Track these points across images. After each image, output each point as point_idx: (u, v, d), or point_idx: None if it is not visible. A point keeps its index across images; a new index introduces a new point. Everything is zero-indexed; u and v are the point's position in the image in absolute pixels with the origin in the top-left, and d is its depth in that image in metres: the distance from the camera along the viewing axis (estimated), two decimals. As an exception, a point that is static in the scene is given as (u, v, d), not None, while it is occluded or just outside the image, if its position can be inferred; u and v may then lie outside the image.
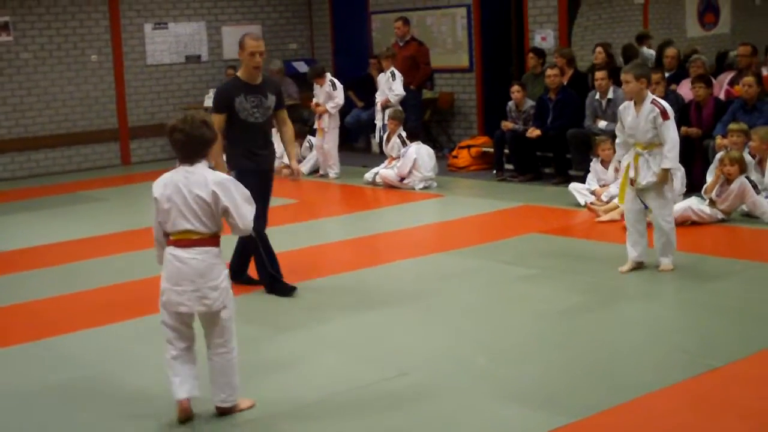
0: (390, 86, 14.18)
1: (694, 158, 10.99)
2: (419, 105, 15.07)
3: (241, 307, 7.64)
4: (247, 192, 5.36)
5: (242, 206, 5.28)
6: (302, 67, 17.79)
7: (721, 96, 12.14)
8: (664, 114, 7.88)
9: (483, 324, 7.06)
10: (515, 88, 13.22)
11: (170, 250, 5.30)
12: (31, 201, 13.27)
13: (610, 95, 12.08)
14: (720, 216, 9.82)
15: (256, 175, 7.83)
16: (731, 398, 5.46)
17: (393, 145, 13.11)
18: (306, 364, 6.34)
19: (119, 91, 16.23)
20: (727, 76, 12.87)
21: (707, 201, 9.94)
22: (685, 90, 12.21)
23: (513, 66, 15.62)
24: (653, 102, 7.95)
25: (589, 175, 11.21)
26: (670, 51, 13.29)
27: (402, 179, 12.69)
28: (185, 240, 5.25)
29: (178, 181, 5.26)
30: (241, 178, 7.45)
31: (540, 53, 13.91)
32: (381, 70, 14.69)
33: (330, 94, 14.03)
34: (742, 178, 9.82)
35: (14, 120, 15.37)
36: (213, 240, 5.30)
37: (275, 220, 10.95)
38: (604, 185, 10.88)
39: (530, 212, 10.95)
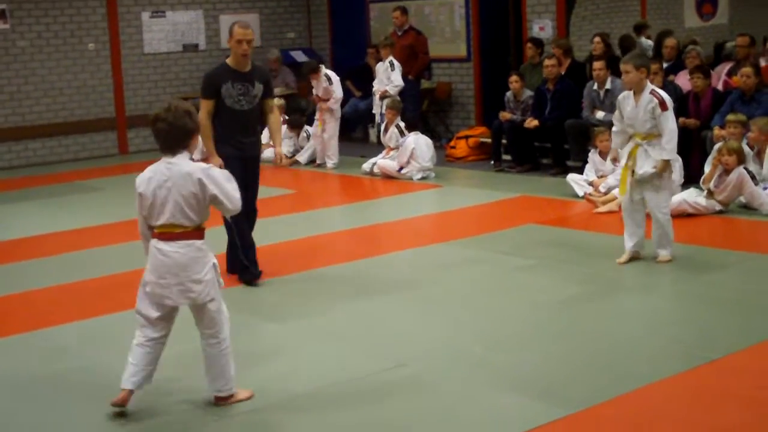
0: (388, 76, 14.15)
1: (692, 149, 10.98)
2: (417, 95, 15.06)
3: (237, 297, 7.71)
4: (227, 172, 5.38)
5: (227, 188, 5.27)
6: (300, 56, 17.76)
7: (719, 87, 12.13)
8: (662, 105, 7.88)
9: (481, 314, 7.07)
10: (513, 78, 13.21)
11: (154, 243, 5.30)
12: (28, 190, 13.25)
13: (608, 86, 12.07)
14: (717, 207, 9.82)
15: (240, 162, 7.94)
16: (730, 389, 5.46)
17: (391, 135, 13.10)
18: (303, 355, 6.34)
19: (116, 80, 16.20)
20: (724, 67, 12.86)
21: (705, 192, 9.94)
22: (683, 80, 12.20)
23: (511, 56, 15.60)
24: (652, 92, 7.94)
25: (587, 166, 11.21)
26: (669, 41, 13.27)
27: (400, 169, 12.68)
28: (169, 233, 5.25)
29: (161, 174, 5.25)
30: (225, 164, 7.64)
31: (538, 43, 13.89)
32: (379, 60, 14.66)
33: (327, 89, 13.99)
34: (740, 169, 9.82)
35: (11, 109, 15.34)
36: (196, 233, 5.28)
37: (273, 210, 11.00)
38: (602, 176, 10.87)
39: (528, 203, 10.95)
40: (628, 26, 15.62)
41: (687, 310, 7.10)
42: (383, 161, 12.96)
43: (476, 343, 6.40)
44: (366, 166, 13.18)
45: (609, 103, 11.93)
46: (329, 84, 13.99)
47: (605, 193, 10.47)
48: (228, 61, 8.05)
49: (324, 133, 14.04)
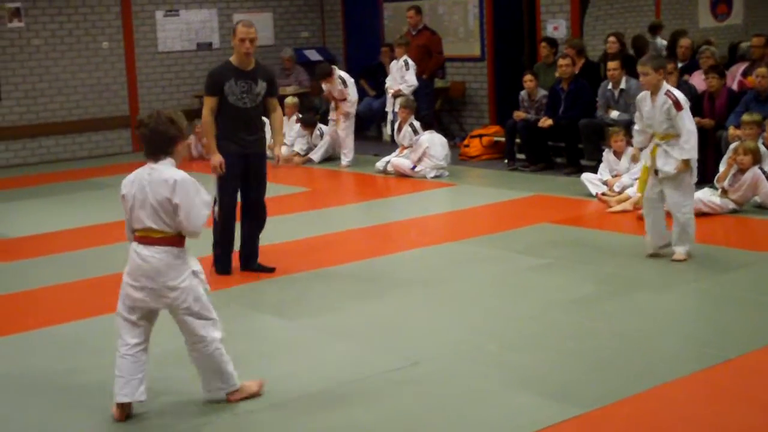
0: (402, 75, 14.13)
1: (707, 149, 10.94)
2: (431, 94, 15.04)
3: (251, 295, 7.73)
4: (207, 198, 5.29)
5: (195, 208, 5.18)
6: (313, 55, 17.77)
7: (734, 87, 12.09)
8: (677, 105, 7.88)
9: (495, 313, 7.05)
10: (528, 77, 13.19)
11: (134, 246, 5.30)
12: (41, 187, 13.28)
13: (622, 85, 12.04)
14: (731, 206, 9.78)
15: (242, 160, 8.07)
16: (747, 389, 5.44)
17: (404, 134, 13.08)
18: (316, 353, 6.33)
19: (130, 78, 16.22)
20: (739, 67, 12.81)
21: (719, 191, 9.91)
22: (698, 80, 12.17)
23: (524, 55, 15.57)
24: (667, 93, 7.95)
25: (602, 165, 11.18)
26: (684, 41, 13.23)
27: (413, 167, 12.67)
28: (147, 238, 5.24)
29: (142, 179, 5.26)
30: (226, 162, 7.89)
31: (552, 43, 13.87)
32: (393, 58, 14.65)
33: (342, 92, 14.00)
34: (756, 169, 9.78)
35: (25, 106, 15.37)
36: (175, 239, 5.25)
37: (287, 207, 11.02)
38: (616, 175, 10.84)
39: (542, 202, 10.93)
40: (642, 26, 15.57)
41: (702, 310, 7.08)
42: (397, 159, 12.95)
43: (490, 341, 6.38)
44: (380, 164, 13.17)
45: (623, 102, 11.91)
46: (344, 86, 14.00)
47: (619, 193, 10.45)
48: (231, 59, 8.13)
49: (340, 131, 14.02)
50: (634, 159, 9.39)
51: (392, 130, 14.00)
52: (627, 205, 10.03)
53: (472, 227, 9.84)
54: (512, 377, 5.75)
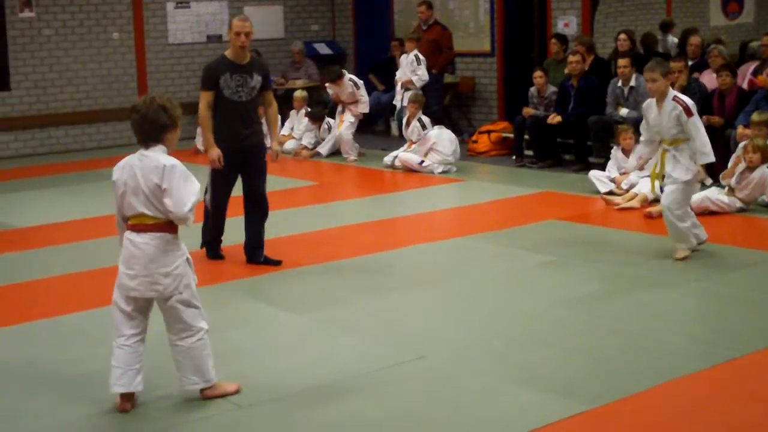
0: (414, 69, 14.13)
1: (716, 147, 10.88)
2: (440, 89, 15.03)
3: (257, 287, 7.74)
4: (195, 186, 5.25)
5: (182, 191, 5.16)
6: (323, 48, 17.77)
7: (744, 86, 12.06)
8: (687, 111, 7.85)
9: (501, 309, 7.06)
10: (538, 73, 13.17)
11: (127, 234, 5.31)
12: (50, 178, 13.31)
13: (632, 83, 12.03)
14: (738, 204, 9.76)
15: (239, 153, 8.15)
16: (752, 389, 5.44)
17: (413, 129, 13.08)
18: (322, 346, 6.34)
19: (140, 70, 16.24)
20: (750, 66, 12.78)
21: (726, 188, 9.90)
22: (708, 79, 12.14)
23: (534, 52, 15.56)
24: (675, 99, 7.91)
25: (610, 163, 11.17)
26: (694, 39, 13.20)
27: (421, 162, 12.67)
28: (141, 225, 5.25)
29: (133, 165, 5.25)
30: (223, 155, 7.99)
31: (562, 39, 13.86)
32: (403, 52, 14.65)
33: (354, 94, 14.01)
34: (764, 168, 9.76)
35: (35, 96, 15.40)
36: (168, 226, 5.25)
37: (295, 201, 11.04)
38: (624, 173, 10.83)
39: (550, 199, 10.92)
40: (653, 24, 15.53)
41: (707, 309, 7.07)
42: (405, 154, 12.95)
43: (495, 337, 6.39)
44: (387, 159, 13.17)
45: (633, 100, 11.89)
46: (356, 89, 14.01)
47: (627, 190, 10.43)
48: (227, 53, 8.22)
49: (343, 130, 14.01)
50: (640, 168, 9.23)
51: (400, 123, 14.00)
52: (635, 203, 10.02)
53: (479, 223, 9.83)
54: (517, 373, 5.75)
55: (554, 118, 12.62)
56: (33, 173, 13.73)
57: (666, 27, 15.08)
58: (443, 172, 12.58)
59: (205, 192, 8.10)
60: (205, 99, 8.11)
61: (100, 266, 8.42)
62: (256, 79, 8.14)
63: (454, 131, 13.55)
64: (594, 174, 11.07)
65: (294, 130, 15.01)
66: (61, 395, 5.64)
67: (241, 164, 8.20)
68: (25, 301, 7.62)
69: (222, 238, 8.56)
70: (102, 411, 5.37)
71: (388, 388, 5.60)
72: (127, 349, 5.31)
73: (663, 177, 8.05)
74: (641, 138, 8.39)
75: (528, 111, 13.11)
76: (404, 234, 9.71)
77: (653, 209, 9.51)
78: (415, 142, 13.01)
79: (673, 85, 11.50)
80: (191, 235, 6.53)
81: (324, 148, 14.39)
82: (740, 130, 10.55)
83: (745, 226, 9.48)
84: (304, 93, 15.20)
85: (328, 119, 14.61)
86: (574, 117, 12.45)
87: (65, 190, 12.41)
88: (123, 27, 16.06)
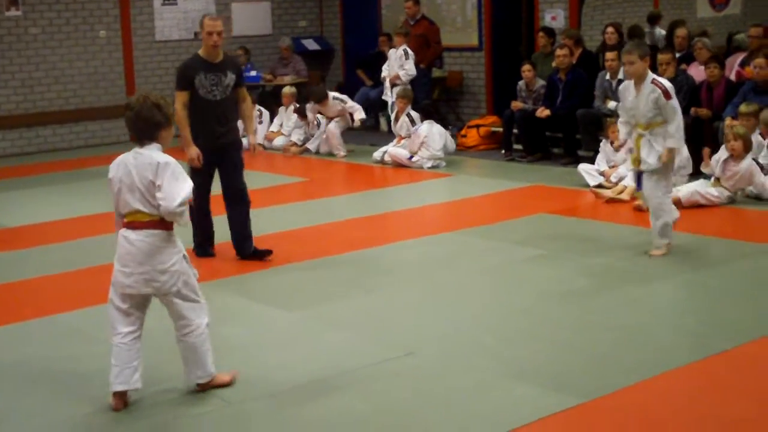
0: (401, 64, 14.12)
1: (704, 140, 10.94)
2: (428, 84, 15.02)
3: (246, 284, 7.73)
4: (188, 184, 5.24)
5: (174, 186, 5.17)
6: (311, 44, 17.76)
7: (732, 77, 12.08)
8: (666, 94, 7.78)
9: (491, 304, 7.06)
10: (526, 67, 13.16)
11: (122, 232, 5.31)
12: (38, 177, 13.27)
13: (620, 75, 12.01)
14: (726, 194, 9.75)
15: (215, 151, 8.22)
16: (743, 381, 5.45)
17: (402, 124, 13.08)
18: (311, 343, 6.34)
19: (128, 68, 16.20)
20: (737, 58, 12.80)
21: (712, 179, 9.90)
22: (695, 71, 12.15)
23: (522, 45, 15.56)
24: (654, 82, 7.83)
25: (599, 156, 11.18)
26: (680, 31, 13.20)
27: (410, 157, 12.66)
28: (136, 222, 5.26)
29: (128, 162, 5.28)
30: (202, 154, 8.05)
31: (550, 32, 13.86)
32: (392, 47, 14.64)
33: (343, 110, 14.00)
34: (749, 159, 9.77)
35: (22, 95, 15.35)
36: (163, 223, 5.26)
37: (285, 197, 11.02)
38: (613, 166, 10.84)
39: (539, 192, 10.92)
40: (641, 16, 15.54)
41: (698, 301, 7.08)
42: (394, 149, 12.94)
43: (486, 332, 6.39)
44: (377, 154, 13.16)
45: (621, 93, 11.88)
46: (344, 104, 14.01)
47: (616, 183, 10.44)
48: (200, 52, 8.31)
49: (331, 125, 14.00)
50: (630, 150, 9.22)
51: (389, 119, 13.99)
52: (624, 196, 10.03)
53: (469, 218, 9.83)
54: (508, 368, 5.75)
55: (543, 112, 12.62)
56: (21, 172, 13.69)
57: (653, 19, 15.08)
58: (433, 167, 12.58)
59: None
60: (180, 99, 8.18)
61: (90, 265, 8.43)
62: (230, 77, 8.21)
63: (442, 126, 13.53)
64: (583, 167, 11.08)
65: (283, 127, 14.99)
66: (55, 393, 5.63)
67: (218, 161, 8.29)
68: (16, 301, 7.60)
69: (213, 236, 8.55)
70: (95, 409, 5.36)
71: (377, 384, 5.59)
72: (124, 347, 5.30)
73: (640, 162, 7.96)
74: (619, 120, 8.34)
75: (516, 105, 13.10)
76: (394, 229, 9.70)
77: (642, 202, 9.51)
78: (404, 138, 13.00)
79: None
80: (185, 233, 6.51)
81: (313, 144, 14.37)
82: (728, 122, 10.56)
83: (734, 218, 9.49)
84: (293, 89, 15.18)
85: (317, 116, 14.58)
86: (563, 110, 12.46)
87: (53, 189, 12.37)
88: (110, 25, 16.01)
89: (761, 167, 9.81)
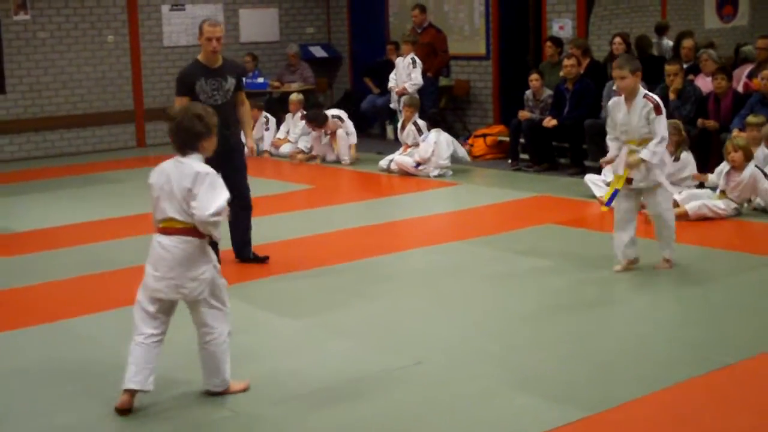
0: (409, 72, 14.15)
1: (711, 151, 10.94)
2: (435, 92, 15.04)
3: (252, 292, 7.73)
4: (223, 194, 5.32)
5: (210, 196, 5.25)
6: (319, 51, 17.79)
7: (740, 89, 12.08)
8: (657, 109, 7.67)
9: (496, 314, 7.05)
10: (534, 76, 13.17)
11: (156, 237, 5.39)
12: (45, 181, 13.30)
13: (628, 86, 12.01)
14: (733, 205, 9.74)
15: (218, 155, 8.15)
16: (747, 395, 5.44)
17: (408, 133, 13.09)
18: (317, 351, 6.34)
19: (135, 73, 16.24)
20: (744, 69, 12.79)
21: (717, 191, 9.89)
22: (703, 82, 12.15)
23: (530, 54, 15.57)
24: (646, 96, 7.74)
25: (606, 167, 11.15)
26: (687, 42, 13.20)
27: (417, 166, 12.67)
28: (170, 228, 5.34)
29: (168, 171, 5.36)
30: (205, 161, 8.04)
31: (558, 42, 13.86)
32: (399, 56, 14.67)
33: (345, 132, 14.00)
34: (752, 167, 9.75)
35: (30, 99, 15.39)
36: (197, 231, 5.32)
37: (291, 205, 11.03)
38: (620, 177, 10.82)
39: (545, 203, 10.93)
40: (648, 26, 15.55)
41: (703, 314, 7.07)
42: (401, 157, 12.95)
43: (491, 342, 6.39)
44: (383, 162, 13.17)
45: (628, 103, 11.88)
46: (341, 122, 14.01)
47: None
48: (199, 57, 8.33)
49: (341, 137, 14.03)
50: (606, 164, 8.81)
51: (397, 128, 14.01)
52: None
53: (475, 227, 9.84)
54: (513, 378, 5.75)
55: (550, 122, 12.63)
56: (28, 177, 13.71)
57: (661, 30, 15.10)
58: (439, 175, 12.59)
59: None
60: (180, 105, 8.16)
61: (98, 270, 8.45)
62: (230, 82, 8.26)
63: (450, 134, 13.53)
64: (590, 178, 11.06)
65: (290, 134, 15.00)
66: (57, 398, 5.64)
67: (221, 165, 8.23)
68: (29, 305, 7.62)
69: (218, 243, 8.56)
70: (99, 413, 5.38)
71: (383, 392, 5.60)
72: (145, 348, 5.36)
73: (629, 181, 7.80)
74: (608, 138, 8.12)
75: (524, 114, 13.11)
76: (400, 238, 9.71)
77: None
78: (410, 146, 13.01)
79: (667, 88, 11.61)
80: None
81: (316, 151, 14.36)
82: (735, 133, 10.55)
83: (740, 230, 9.48)
84: (300, 96, 15.20)
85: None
86: (570, 120, 12.47)
87: (61, 193, 12.39)
88: (118, 30, 16.05)
89: (766, 175, 9.78)
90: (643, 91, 7.81)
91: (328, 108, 15.12)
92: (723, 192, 9.84)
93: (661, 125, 7.69)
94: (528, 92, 13.30)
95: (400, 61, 14.48)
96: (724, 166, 9.91)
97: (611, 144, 8.08)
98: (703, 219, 9.55)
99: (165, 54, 16.54)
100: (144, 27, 16.30)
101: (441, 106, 15.46)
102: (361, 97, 16.35)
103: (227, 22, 17.02)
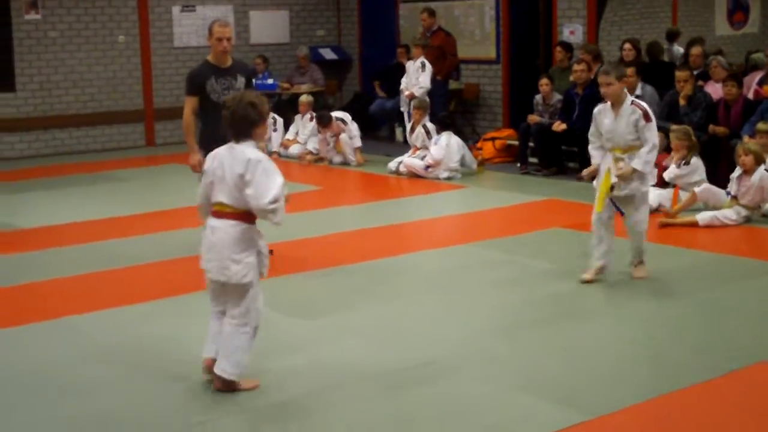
0: (418, 76, 14.16)
1: (720, 158, 10.92)
2: (445, 96, 15.04)
3: (266, 291, 7.71)
4: (279, 180, 5.39)
5: (264, 182, 5.36)
6: (329, 54, 17.80)
7: (750, 96, 12.06)
8: (646, 116, 7.59)
9: (504, 317, 7.05)
10: (544, 81, 13.17)
11: (209, 220, 5.57)
12: (55, 179, 13.32)
13: (638, 92, 12.02)
14: (744, 213, 9.71)
15: None
16: (752, 401, 5.43)
17: (417, 135, 13.09)
18: (326, 351, 6.34)
19: (146, 73, 16.26)
20: (755, 77, 12.78)
21: (729, 198, 9.88)
22: (712, 88, 12.14)
23: (540, 59, 15.57)
24: (634, 103, 7.67)
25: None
26: (696, 49, 13.21)
27: (426, 168, 12.67)
28: (220, 212, 5.49)
29: (223, 156, 5.51)
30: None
31: (568, 47, 13.86)
32: (410, 59, 14.67)
33: (349, 135, 14.02)
34: (762, 171, 9.72)
35: (40, 98, 15.43)
36: (246, 216, 5.46)
37: (300, 205, 11.00)
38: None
39: (554, 206, 10.92)
40: (659, 32, 15.56)
41: (710, 319, 7.05)
42: (410, 160, 12.95)
43: (498, 344, 6.39)
44: (392, 164, 13.17)
45: (638, 108, 11.87)
46: (344, 124, 14.03)
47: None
48: (209, 58, 8.40)
49: (346, 137, 14.06)
50: (591, 179, 8.27)
51: (404, 130, 14.02)
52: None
53: (484, 230, 9.83)
54: (519, 381, 5.75)
55: (559, 126, 12.62)
56: (37, 174, 13.75)
57: (672, 36, 15.11)
58: (448, 178, 12.59)
59: None
60: (190, 104, 8.30)
61: (105, 268, 8.45)
62: (240, 81, 8.33)
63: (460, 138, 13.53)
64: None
65: (299, 135, 15.01)
66: (56, 398, 5.65)
67: None
68: (34, 301, 7.63)
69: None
70: (96, 411, 5.37)
71: (391, 392, 5.60)
72: (213, 317, 5.64)
73: (612, 188, 7.73)
74: (590, 147, 8.04)
75: (533, 118, 13.11)
76: (409, 239, 9.71)
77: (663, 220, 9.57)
78: (419, 148, 13.01)
79: (677, 94, 11.60)
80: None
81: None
82: (745, 140, 10.53)
83: (748, 236, 9.47)
84: (310, 98, 15.21)
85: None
86: (579, 125, 12.44)
87: (69, 191, 12.41)
88: (129, 30, 16.09)
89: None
90: (630, 97, 7.76)
91: (337, 110, 15.11)
92: (735, 198, 9.82)
93: (652, 132, 7.63)
94: (538, 96, 13.30)
95: (410, 65, 14.49)
96: (736, 172, 9.91)
97: (594, 153, 7.98)
98: (710, 227, 9.53)
99: (175, 54, 16.57)
100: (155, 27, 16.33)
101: (450, 110, 15.45)
102: (371, 99, 16.36)
103: (237, 23, 17.04)
